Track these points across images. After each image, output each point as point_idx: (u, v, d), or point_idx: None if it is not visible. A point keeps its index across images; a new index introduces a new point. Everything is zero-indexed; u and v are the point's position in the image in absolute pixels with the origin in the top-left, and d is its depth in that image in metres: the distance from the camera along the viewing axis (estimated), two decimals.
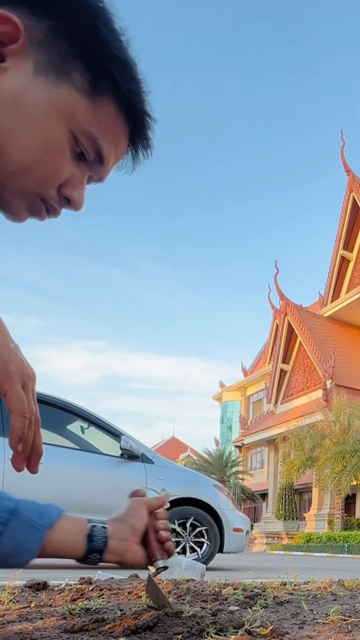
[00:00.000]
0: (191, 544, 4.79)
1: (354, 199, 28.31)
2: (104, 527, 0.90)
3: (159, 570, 0.96)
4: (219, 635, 0.91)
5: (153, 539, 0.94)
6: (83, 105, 0.68)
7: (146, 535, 0.95)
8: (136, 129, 0.74)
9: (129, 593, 1.51)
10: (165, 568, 0.96)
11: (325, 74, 66.27)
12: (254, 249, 73.81)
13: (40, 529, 0.84)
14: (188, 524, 4.77)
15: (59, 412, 4.68)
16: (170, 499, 0.98)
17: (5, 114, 0.64)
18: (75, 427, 4.90)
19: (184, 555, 4.59)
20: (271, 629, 0.97)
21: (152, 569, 0.98)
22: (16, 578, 1.67)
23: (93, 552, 0.88)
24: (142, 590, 1.49)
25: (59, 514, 0.87)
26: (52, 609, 1.29)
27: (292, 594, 1.73)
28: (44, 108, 0.66)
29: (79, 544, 0.87)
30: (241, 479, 33.23)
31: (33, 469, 0.79)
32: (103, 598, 1.42)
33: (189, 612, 1.04)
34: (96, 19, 0.65)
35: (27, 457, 0.78)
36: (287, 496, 27.84)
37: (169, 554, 0.96)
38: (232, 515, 5.15)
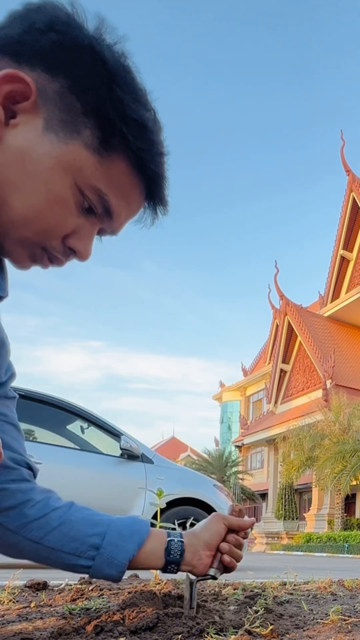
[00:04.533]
0: None
1: (354, 198, 28.29)
2: (181, 541, 0.95)
3: (206, 577, 0.98)
4: (219, 635, 0.91)
5: (222, 552, 0.98)
6: (91, 161, 0.70)
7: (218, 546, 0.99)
8: (150, 188, 0.75)
9: (129, 593, 1.51)
10: (214, 578, 0.98)
11: (326, 75, 66.30)
12: (254, 250, 73.86)
13: (120, 566, 0.92)
14: (188, 524, 4.76)
15: (59, 412, 4.68)
16: (248, 526, 1.03)
17: (11, 168, 0.67)
18: (75, 427, 4.89)
19: None
20: (271, 629, 0.97)
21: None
22: (16, 578, 1.67)
23: (170, 564, 0.95)
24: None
25: (140, 544, 0.92)
26: (52, 609, 1.29)
27: (292, 594, 1.74)
28: (50, 163, 0.68)
29: (158, 559, 0.94)
30: (241, 478, 33.20)
31: None
32: (103, 598, 1.42)
33: (189, 612, 1.04)
34: (113, 80, 0.67)
35: None
36: (287, 496, 27.79)
37: (227, 570, 1.00)
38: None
